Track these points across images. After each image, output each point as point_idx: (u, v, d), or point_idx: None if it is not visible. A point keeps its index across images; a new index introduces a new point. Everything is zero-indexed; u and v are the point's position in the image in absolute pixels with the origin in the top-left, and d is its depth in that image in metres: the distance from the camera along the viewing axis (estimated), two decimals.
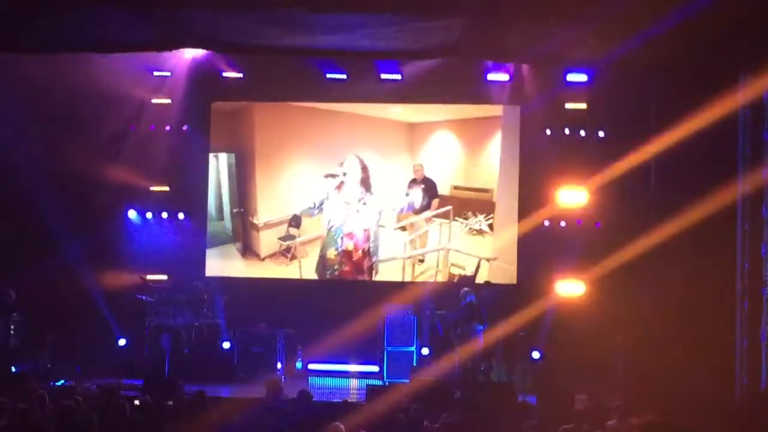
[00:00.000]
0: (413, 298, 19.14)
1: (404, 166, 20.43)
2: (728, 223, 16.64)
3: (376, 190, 20.42)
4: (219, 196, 20.52)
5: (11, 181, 18.37)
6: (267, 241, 20.29)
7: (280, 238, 20.31)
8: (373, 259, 20.39)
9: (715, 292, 16.65)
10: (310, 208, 20.27)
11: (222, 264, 20.45)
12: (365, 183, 20.44)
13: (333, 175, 20.27)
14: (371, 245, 20.41)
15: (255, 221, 20.33)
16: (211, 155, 20.45)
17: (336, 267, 20.39)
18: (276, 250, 20.30)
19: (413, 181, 20.37)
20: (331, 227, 20.38)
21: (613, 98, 18.80)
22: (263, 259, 20.38)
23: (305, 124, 20.30)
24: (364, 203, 20.45)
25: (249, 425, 11.93)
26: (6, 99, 17.63)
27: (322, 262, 20.39)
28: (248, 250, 20.42)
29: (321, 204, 20.27)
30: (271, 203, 20.25)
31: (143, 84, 19.74)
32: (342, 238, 20.37)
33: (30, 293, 18.22)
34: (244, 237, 20.46)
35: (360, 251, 20.41)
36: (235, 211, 20.43)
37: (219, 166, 20.49)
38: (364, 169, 20.40)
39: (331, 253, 20.39)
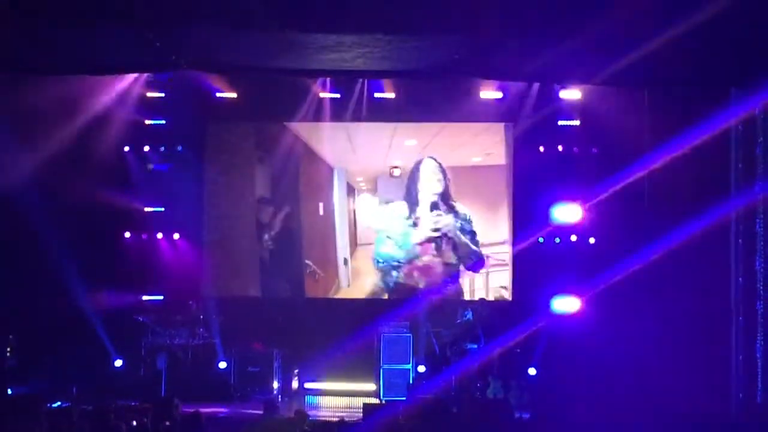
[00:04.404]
0: (409, 316, 19.14)
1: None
2: (722, 238, 16.71)
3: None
4: None
5: (5, 203, 18.36)
6: None
7: None
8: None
9: (709, 307, 16.71)
10: None
11: None
12: (445, 197, 20.39)
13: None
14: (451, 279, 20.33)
15: None
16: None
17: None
18: None
19: None
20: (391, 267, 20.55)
21: (606, 115, 18.84)
22: None
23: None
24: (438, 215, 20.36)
25: None
26: None
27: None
28: None
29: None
30: None
31: (137, 105, 19.76)
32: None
33: (25, 315, 18.21)
34: None
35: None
36: None
37: None
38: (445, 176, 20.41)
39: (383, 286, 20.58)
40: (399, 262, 20.26)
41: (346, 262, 20.72)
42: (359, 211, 20.73)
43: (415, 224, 20.24)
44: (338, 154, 20.68)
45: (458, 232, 20.06)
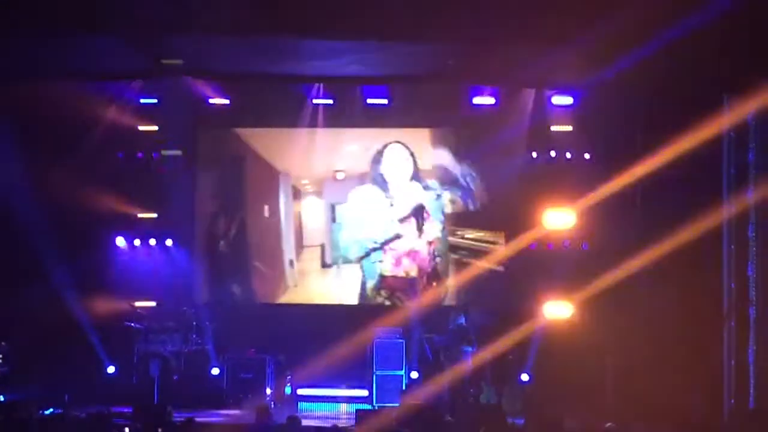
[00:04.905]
0: (401, 322, 19.13)
1: None
2: (714, 244, 16.73)
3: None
4: None
5: None
6: None
7: None
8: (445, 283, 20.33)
9: (702, 313, 16.72)
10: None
11: None
12: (416, 177, 20.43)
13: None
14: (438, 262, 20.34)
15: None
16: None
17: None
18: None
19: None
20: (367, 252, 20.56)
21: (599, 120, 18.86)
22: None
23: None
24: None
25: None
26: None
27: (362, 294, 20.58)
28: None
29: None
30: None
31: (130, 111, 19.74)
32: (379, 262, 20.40)
33: (17, 321, 18.16)
34: None
35: (425, 278, 20.32)
36: None
37: None
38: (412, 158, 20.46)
39: (370, 286, 20.51)
40: (377, 243, 20.25)
41: (291, 263, 20.76)
42: (305, 214, 20.83)
43: (392, 204, 20.34)
44: (283, 158, 20.72)
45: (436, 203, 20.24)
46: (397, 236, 20.21)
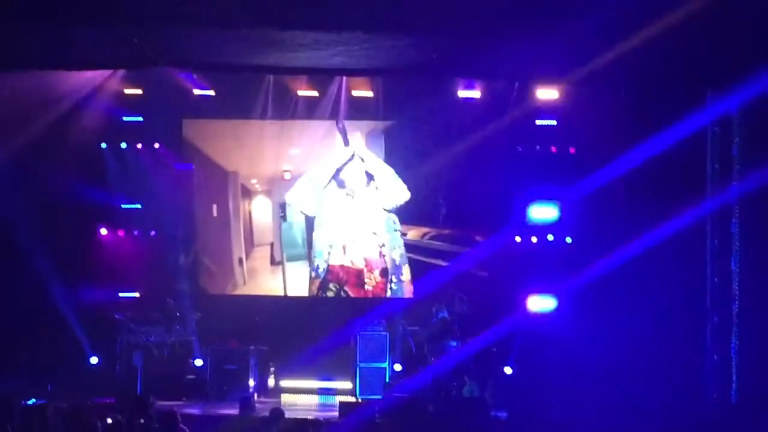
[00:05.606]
0: (385, 314, 19.14)
1: None
2: (698, 238, 16.78)
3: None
4: None
5: None
6: None
7: None
8: (397, 279, 20.36)
9: (685, 307, 16.77)
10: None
11: None
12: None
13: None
14: (387, 259, 20.34)
15: None
16: None
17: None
18: None
19: None
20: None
21: (584, 114, 18.89)
22: None
23: None
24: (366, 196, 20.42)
25: None
26: None
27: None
28: None
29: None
30: None
31: (115, 102, 19.70)
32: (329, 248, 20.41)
33: (0, 311, 18.13)
34: None
35: (377, 271, 20.39)
36: None
37: None
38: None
39: (318, 279, 20.47)
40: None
41: (241, 261, 20.78)
42: (255, 213, 20.88)
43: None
44: (231, 157, 20.78)
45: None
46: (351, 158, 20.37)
